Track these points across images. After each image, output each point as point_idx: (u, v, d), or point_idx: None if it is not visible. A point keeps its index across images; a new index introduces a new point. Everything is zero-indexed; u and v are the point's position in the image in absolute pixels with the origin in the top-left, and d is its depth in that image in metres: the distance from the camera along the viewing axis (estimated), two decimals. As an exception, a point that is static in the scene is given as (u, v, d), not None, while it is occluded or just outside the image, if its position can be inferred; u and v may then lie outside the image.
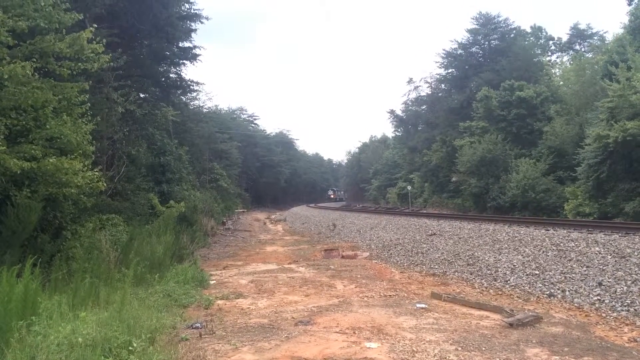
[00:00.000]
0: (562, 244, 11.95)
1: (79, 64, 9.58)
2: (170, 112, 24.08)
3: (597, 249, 10.94)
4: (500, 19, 43.27)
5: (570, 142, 27.21)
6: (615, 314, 7.87)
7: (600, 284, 9.07)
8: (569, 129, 28.27)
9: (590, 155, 22.49)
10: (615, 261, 9.90)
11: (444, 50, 45.84)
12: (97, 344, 5.16)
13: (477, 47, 44.73)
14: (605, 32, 45.24)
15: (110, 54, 11.44)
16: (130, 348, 5.28)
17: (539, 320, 7.54)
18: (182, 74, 23.69)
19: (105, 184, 10.94)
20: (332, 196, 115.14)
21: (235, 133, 57.25)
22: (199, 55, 22.44)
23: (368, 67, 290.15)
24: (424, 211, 37.30)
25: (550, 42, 50.08)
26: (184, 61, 22.59)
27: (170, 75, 22.78)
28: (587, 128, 24.55)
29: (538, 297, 9.35)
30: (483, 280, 11.05)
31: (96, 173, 10.04)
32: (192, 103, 37.79)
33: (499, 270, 11.39)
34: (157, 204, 16.63)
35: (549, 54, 48.45)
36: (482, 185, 32.23)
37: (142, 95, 19.80)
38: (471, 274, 11.72)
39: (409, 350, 6.12)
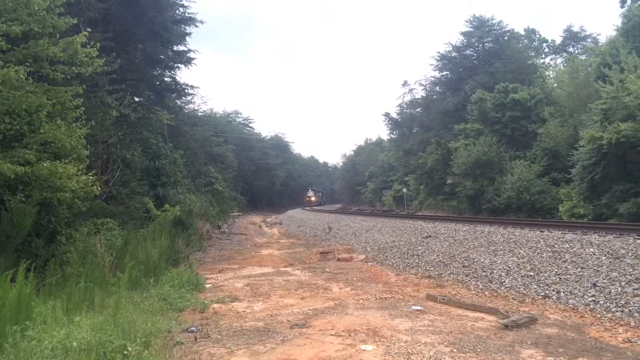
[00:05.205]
0: (556, 246, 11.99)
1: (73, 68, 9.55)
2: (165, 115, 24.05)
3: (591, 250, 10.99)
4: (494, 21, 43.44)
5: (565, 143, 27.35)
6: (609, 314, 7.92)
7: (594, 285, 9.12)
8: (563, 130, 28.42)
9: (585, 156, 22.61)
10: (610, 262, 9.95)
11: (438, 53, 46.06)
12: (91, 349, 5.15)
13: (471, 49, 44.86)
14: (598, 35, 45.44)
15: (105, 58, 11.41)
16: (125, 352, 5.27)
17: (534, 321, 7.57)
18: (176, 77, 23.70)
19: (99, 188, 10.88)
20: (312, 199, 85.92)
21: (231, 136, 57.26)
22: (193, 59, 22.41)
23: (363, 70, 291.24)
24: (420, 213, 37.33)
25: (544, 44, 50.34)
26: (179, 65, 22.52)
27: (165, 79, 22.70)
28: (581, 130, 24.69)
29: (533, 298, 9.39)
30: (478, 282, 11.08)
31: (90, 177, 9.99)
32: (187, 107, 37.91)
33: (494, 272, 11.42)
34: (152, 208, 16.58)
35: (543, 56, 48.72)
36: (477, 187, 32.30)
37: (136, 99, 19.75)
38: (466, 276, 11.75)
39: (404, 352, 6.12)
